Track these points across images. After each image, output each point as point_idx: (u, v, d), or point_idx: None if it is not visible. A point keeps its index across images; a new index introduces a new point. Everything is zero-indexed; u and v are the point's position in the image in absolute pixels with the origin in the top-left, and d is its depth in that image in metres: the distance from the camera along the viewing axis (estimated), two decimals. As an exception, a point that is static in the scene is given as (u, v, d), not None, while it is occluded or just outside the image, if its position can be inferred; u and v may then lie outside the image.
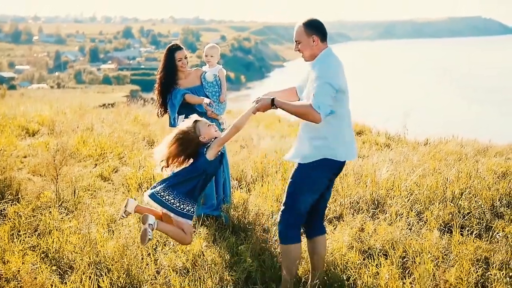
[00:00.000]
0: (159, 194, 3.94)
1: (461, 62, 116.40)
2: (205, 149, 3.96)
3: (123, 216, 4.11)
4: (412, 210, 5.12)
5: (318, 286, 3.75)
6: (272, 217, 4.93)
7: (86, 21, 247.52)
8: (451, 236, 4.59)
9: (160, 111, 5.42)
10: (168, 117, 5.43)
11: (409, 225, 4.82)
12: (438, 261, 4.16)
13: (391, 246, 4.40)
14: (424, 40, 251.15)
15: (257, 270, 4.11)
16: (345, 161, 3.82)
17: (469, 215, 5.01)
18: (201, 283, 3.91)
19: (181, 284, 3.92)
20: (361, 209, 5.27)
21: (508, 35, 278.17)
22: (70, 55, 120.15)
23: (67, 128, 9.07)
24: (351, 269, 4.12)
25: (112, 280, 3.96)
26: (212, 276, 4.01)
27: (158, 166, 4.07)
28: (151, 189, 4.04)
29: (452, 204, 5.14)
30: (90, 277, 3.94)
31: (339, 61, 3.78)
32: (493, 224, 4.82)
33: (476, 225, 4.82)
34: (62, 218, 5.03)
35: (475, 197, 5.31)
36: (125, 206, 4.10)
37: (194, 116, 4.13)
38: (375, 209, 5.25)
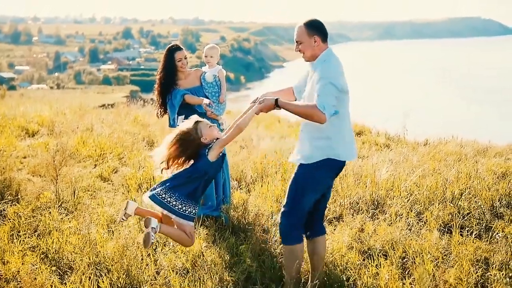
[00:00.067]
0: (160, 196, 3.89)
1: (460, 63, 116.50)
2: (206, 150, 3.91)
3: (123, 219, 4.04)
4: (411, 211, 5.13)
5: (318, 286, 3.75)
6: (272, 218, 4.93)
7: (85, 22, 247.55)
8: (450, 237, 4.59)
9: (160, 111, 5.42)
10: (167, 118, 5.43)
11: (408, 226, 4.82)
12: (438, 262, 4.16)
13: (391, 247, 4.40)
14: (424, 40, 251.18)
15: (257, 270, 4.11)
16: (345, 161, 3.83)
17: (469, 215, 5.01)
18: (201, 284, 3.91)
19: (180, 284, 3.92)
20: (361, 210, 5.27)
21: (508, 35, 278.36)
22: (69, 55, 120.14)
23: (66, 128, 9.07)
24: (351, 269, 4.12)
25: (112, 280, 3.95)
26: (212, 276, 4.01)
27: (158, 168, 4.01)
28: (151, 190, 3.98)
29: (451, 205, 5.15)
30: (90, 277, 3.94)
31: (340, 61, 3.79)
32: (493, 224, 4.82)
33: (475, 225, 4.82)
34: (61, 218, 5.03)
35: (475, 197, 5.31)
36: (124, 209, 4.02)
37: (195, 117, 4.07)
38: (375, 210, 5.25)
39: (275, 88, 4.21)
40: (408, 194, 5.47)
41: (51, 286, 3.91)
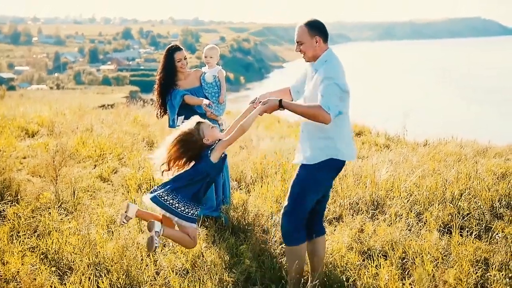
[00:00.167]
0: (162, 198, 3.83)
1: (460, 63, 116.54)
2: (209, 151, 3.87)
3: (124, 222, 3.96)
4: (411, 211, 5.12)
5: (318, 287, 3.75)
6: (271, 218, 4.93)
7: (85, 22, 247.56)
8: (450, 237, 4.59)
9: (160, 112, 5.42)
10: (167, 118, 5.43)
11: (408, 226, 4.82)
12: (438, 262, 4.16)
13: (390, 247, 4.40)
14: (424, 41, 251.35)
15: (256, 271, 4.11)
16: (345, 161, 3.83)
17: (469, 216, 5.01)
18: (201, 284, 3.91)
19: (180, 285, 3.92)
20: (361, 210, 5.27)
21: (508, 36, 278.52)
22: (69, 56, 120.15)
23: (66, 129, 9.07)
24: (350, 270, 4.12)
25: (112, 281, 3.95)
26: (212, 277, 4.00)
27: (159, 170, 3.97)
28: (151, 192, 3.94)
29: (451, 205, 5.15)
30: (89, 278, 3.94)
31: (340, 61, 3.79)
32: (493, 225, 4.82)
33: (475, 226, 4.82)
34: (61, 219, 5.03)
35: (475, 198, 5.31)
36: (125, 211, 3.95)
37: (196, 118, 4.02)
38: (375, 210, 5.25)
39: (275, 88, 4.21)
40: (408, 195, 5.47)
41: (51, 286, 3.91)
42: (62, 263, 4.23)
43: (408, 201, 5.33)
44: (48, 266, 4.14)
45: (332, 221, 5.14)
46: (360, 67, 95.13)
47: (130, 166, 6.98)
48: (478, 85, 75.12)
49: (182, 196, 3.84)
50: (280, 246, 4.50)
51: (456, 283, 3.82)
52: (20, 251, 4.30)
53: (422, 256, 4.16)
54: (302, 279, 3.89)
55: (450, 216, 4.96)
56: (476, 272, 3.97)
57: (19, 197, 5.45)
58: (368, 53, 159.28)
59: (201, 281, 3.95)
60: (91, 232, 4.64)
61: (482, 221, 4.92)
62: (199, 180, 3.87)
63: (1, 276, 4.02)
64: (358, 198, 5.44)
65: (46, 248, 4.39)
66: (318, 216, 3.97)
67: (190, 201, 3.86)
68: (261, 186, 5.85)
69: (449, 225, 4.83)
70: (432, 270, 3.97)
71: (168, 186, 3.88)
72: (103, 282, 3.89)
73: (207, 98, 5.33)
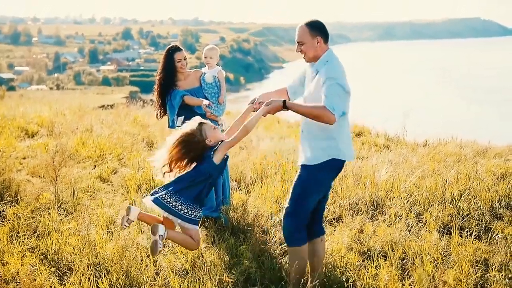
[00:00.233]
0: (165, 200, 3.80)
1: (460, 63, 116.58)
2: (212, 152, 3.84)
3: (125, 225, 3.93)
4: (411, 212, 5.12)
5: (318, 287, 3.75)
6: (271, 219, 4.93)
7: (85, 23, 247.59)
8: (450, 238, 4.59)
9: (159, 112, 5.42)
10: (167, 119, 5.43)
11: (408, 227, 4.82)
12: (437, 263, 4.16)
13: (390, 248, 4.40)
14: (423, 41, 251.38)
15: (256, 271, 4.11)
16: (345, 161, 3.83)
17: (468, 216, 5.01)
18: (200, 285, 3.91)
19: (180, 285, 3.92)
20: (360, 211, 5.27)
21: (507, 36, 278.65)
22: (69, 56, 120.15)
23: (66, 129, 9.07)
24: (350, 270, 4.12)
25: (111, 281, 3.95)
26: (212, 277, 4.00)
27: (160, 172, 3.93)
28: (153, 194, 3.90)
29: (451, 206, 5.15)
30: (89, 278, 3.94)
31: (341, 62, 3.79)
32: (492, 225, 4.82)
33: (475, 226, 4.82)
34: (61, 219, 5.03)
35: (474, 198, 5.31)
36: (127, 214, 3.92)
37: (198, 118, 3.99)
38: (374, 211, 5.25)
39: (274, 89, 4.21)
40: (407, 195, 5.47)
41: (51, 287, 3.91)
42: (61, 264, 4.23)
43: (407, 201, 5.33)
44: (47, 267, 4.14)
45: (332, 221, 5.14)
46: (360, 67, 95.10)
47: (130, 166, 6.98)
48: (478, 85, 75.16)
49: (185, 198, 3.81)
50: (280, 247, 4.50)
51: (456, 284, 3.82)
52: (19, 251, 4.30)
53: (422, 256, 4.16)
54: (302, 280, 3.89)
55: (449, 217, 4.96)
56: (476, 273, 3.97)
57: (18, 197, 5.45)
58: (368, 53, 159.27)
59: (201, 281, 3.95)
60: (91, 232, 4.64)
61: (481, 221, 4.92)
62: (201, 181, 3.85)
63: (1, 276, 4.02)
64: (357, 199, 5.43)
65: (45, 249, 4.39)
66: (318, 216, 3.97)
67: (193, 203, 3.83)
68: (261, 187, 5.85)
69: (449, 226, 4.83)
70: (431, 270, 3.97)
71: (171, 188, 3.85)
72: (102, 283, 3.89)
73: (207, 98, 5.33)
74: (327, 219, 5.13)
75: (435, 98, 62.40)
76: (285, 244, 4.42)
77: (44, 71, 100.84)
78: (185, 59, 5.31)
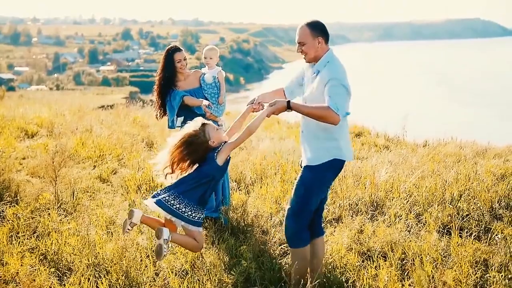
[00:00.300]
0: (168, 202, 3.76)
1: (460, 63, 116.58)
2: (215, 154, 3.81)
3: (128, 229, 3.88)
4: (411, 212, 5.13)
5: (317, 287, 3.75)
6: (271, 219, 4.93)
7: (85, 23, 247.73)
8: (450, 238, 4.59)
9: (159, 113, 5.42)
10: (167, 119, 5.42)
11: (408, 227, 4.82)
12: (437, 263, 4.16)
13: (390, 248, 4.40)
14: (423, 42, 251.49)
15: (256, 271, 4.11)
16: (345, 161, 3.84)
17: (468, 217, 5.01)
18: (200, 285, 3.91)
19: (180, 286, 3.92)
20: (360, 211, 5.27)
21: (507, 37, 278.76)
22: (69, 56, 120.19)
23: (66, 129, 9.06)
24: (350, 271, 4.12)
25: (111, 282, 3.95)
26: (211, 278, 4.00)
27: (162, 174, 3.88)
28: (154, 196, 3.86)
29: (451, 206, 5.15)
30: (89, 279, 3.94)
31: (342, 63, 3.79)
32: (492, 226, 4.82)
33: (475, 227, 4.82)
34: (61, 220, 5.02)
35: (474, 199, 5.31)
36: (129, 218, 3.87)
37: (200, 119, 3.94)
38: (374, 211, 5.25)
39: (274, 89, 4.21)
40: (407, 196, 5.47)
41: (50, 287, 3.90)
42: (61, 264, 4.23)
43: (407, 202, 5.33)
44: (47, 267, 4.14)
45: (332, 222, 5.14)
46: (360, 67, 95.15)
47: (130, 167, 6.98)
48: (478, 85, 75.21)
49: (188, 200, 3.78)
50: (280, 247, 4.50)
51: (456, 284, 3.82)
52: (19, 252, 4.30)
53: (422, 257, 4.16)
54: (302, 280, 3.89)
55: (449, 217, 4.96)
56: (476, 273, 3.97)
57: (18, 197, 5.45)
58: (367, 53, 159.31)
59: (201, 282, 3.95)
60: (91, 233, 4.63)
61: (481, 222, 4.92)
62: (204, 183, 3.81)
63: (1, 277, 4.02)
64: (357, 199, 5.43)
65: (45, 249, 4.38)
66: (317, 217, 3.97)
67: (196, 204, 3.80)
68: (261, 187, 5.85)
69: (449, 226, 4.83)
70: (431, 271, 3.97)
71: (173, 190, 3.81)
72: (102, 283, 3.89)
73: (206, 99, 5.33)
74: (326, 219, 5.13)
75: (434, 99, 62.47)
76: (285, 245, 4.43)
77: (44, 72, 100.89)
78: (185, 59, 5.31)
